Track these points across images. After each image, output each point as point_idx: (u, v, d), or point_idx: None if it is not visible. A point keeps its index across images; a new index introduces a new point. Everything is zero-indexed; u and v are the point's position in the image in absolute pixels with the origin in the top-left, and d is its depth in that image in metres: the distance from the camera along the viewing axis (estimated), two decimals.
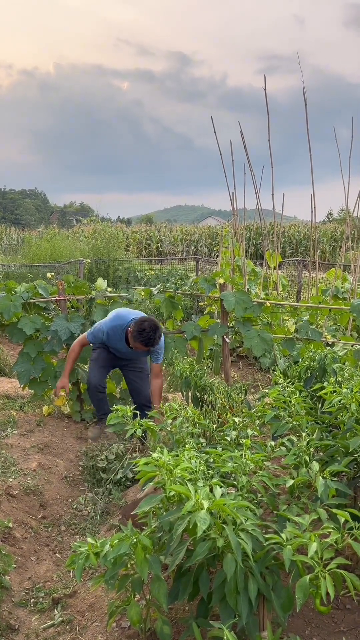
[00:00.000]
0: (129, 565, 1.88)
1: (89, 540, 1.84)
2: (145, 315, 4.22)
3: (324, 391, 2.56)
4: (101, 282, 5.17)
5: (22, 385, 4.77)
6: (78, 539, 3.24)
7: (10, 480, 3.66)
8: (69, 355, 4.43)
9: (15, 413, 4.92)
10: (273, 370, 4.38)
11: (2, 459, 3.93)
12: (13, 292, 4.76)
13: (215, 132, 6.76)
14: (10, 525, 3.14)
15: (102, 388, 4.34)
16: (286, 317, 5.98)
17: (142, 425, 2.52)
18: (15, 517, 3.30)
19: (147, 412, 4.14)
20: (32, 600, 2.73)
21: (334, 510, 1.77)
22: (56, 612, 2.58)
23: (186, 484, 1.80)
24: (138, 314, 4.21)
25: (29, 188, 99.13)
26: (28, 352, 4.70)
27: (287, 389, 2.70)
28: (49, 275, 6.16)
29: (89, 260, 11.37)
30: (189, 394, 3.60)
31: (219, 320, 5.09)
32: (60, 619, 2.51)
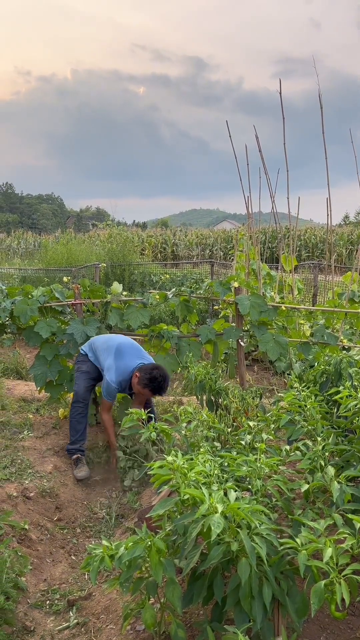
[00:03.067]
0: (143, 568, 1.88)
1: (104, 542, 1.85)
2: (150, 363, 4.12)
3: (339, 395, 2.54)
4: (117, 286, 5.19)
5: (39, 388, 4.81)
6: (93, 542, 3.26)
7: (27, 482, 3.70)
8: (108, 425, 4.23)
9: (31, 416, 4.96)
10: (288, 374, 4.37)
11: (19, 461, 3.97)
12: (30, 296, 4.81)
13: (230, 136, 6.76)
14: (27, 527, 3.17)
15: (86, 401, 4.27)
16: (302, 321, 5.94)
17: (156, 429, 2.53)
18: (31, 519, 3.33)
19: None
20: (48, 602, 2.75)
21: (350, 516, 1.76)
22: (71, 614, 2.59)
23: (200, 488, 1.80)
24: (138, 353, 4.18)
25: (45, 193, 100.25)
26: (44, 355, 4.74)
27: (302, 393, 2.69)
28: (65, 279, 6.21)
29: (104, 265, 11.43)
30: (204, 397, 3.60)
31: (233, 324, 5.08)
32: (76, 621, 2.52)
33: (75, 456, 4.14)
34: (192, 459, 2.04)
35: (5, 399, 5.24)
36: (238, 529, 1.67)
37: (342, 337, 5.10)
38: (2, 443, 4.25)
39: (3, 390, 5.46)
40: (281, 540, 1.70)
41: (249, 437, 2.60)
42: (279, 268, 7.56)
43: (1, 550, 2.66)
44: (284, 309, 4.99)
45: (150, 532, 1.87)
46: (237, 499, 1.78)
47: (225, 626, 1.69)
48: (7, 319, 4.81)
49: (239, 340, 4.92)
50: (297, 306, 5.30)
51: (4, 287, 5.19)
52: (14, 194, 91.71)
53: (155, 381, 3.80)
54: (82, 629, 2.45)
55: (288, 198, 6.63)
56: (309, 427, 2.48)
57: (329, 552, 1.56)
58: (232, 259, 9.36)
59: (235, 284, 4.96)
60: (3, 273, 13.09)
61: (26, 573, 2.81)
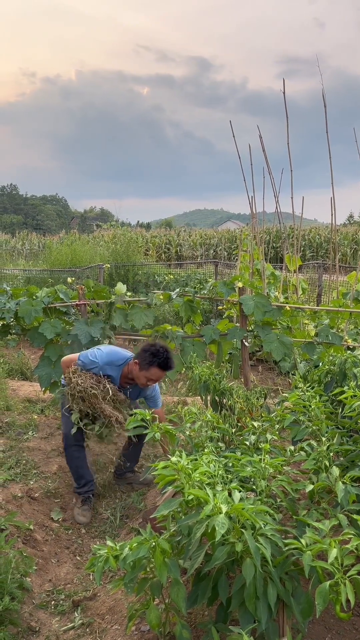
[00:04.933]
0: (148, 569, 1.88)
1: (109, 543, 1.85)
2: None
3: (344, 395, 2.53)
4: (121, 287, 5.20)
5: (43, 389, 4.82)
6: (98, 542, 3.26)
7: (31, 483, 3.71)
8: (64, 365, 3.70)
9: (36, 416, 4.98)
10: (293, 374, 4.36)
11: (23, 461, 3.98)
12: (34, 297, 4.82)
13: (234, 136, 6.76)
14: (32, 527, 3.18)
15: (81, 442, 3.59)
16: (306, 321, 5.93)
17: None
18: (36, 519, 3.34)
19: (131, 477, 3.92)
20: (53, 602, 2.75)
21: (355, 516, 1.75)
22: (76, 614, 2.60)
23: (205, 488, 1.80)
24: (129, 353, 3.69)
25: (49, 194, 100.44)
26: (49, 355, 4.75)
27: (306, 393, 2.68)
28: (69, 280, 6.22)
29: (108, 265, 11.45)
30: (208, 398, 3.60)
31: (238, 324, 5.08)
32: (81, 621, 2.53)
33: (85, 496, 3.64)
34: (196, 460, 2.04)
35: (10, 399, 5.25)
36: (242, 530, 1.67)
37: (346, 337, 5.09)
38: (7, 444, 4.27)
39: (8, 391, 5.48)
40: (286, 541, 1.69)
41: (253, 437, 2.59)
42: (283, 268, 7.55)
43: (6, 551, 2.66)
44: (288, 309, 4.98)
45: (154, 532, 1.87)
46: (241, 499, 1.78)
47: (230, 627, 1.69)
48: (12, 319, 4.82)
49: (243, 341, 4.92)
50: (301, 306, 5.29)
51: (8, 288, 5.21)
52: (18, 195, 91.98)
53: (159, 354, 3.38)
54: (87, 630, 2.46)
55: (292, 198, 6.63)
56: (314, 428, 2.47)
57: (333, 552, 1.55)
58: (236, 259, 9.35)
59: (239, 284, 4.95)
60: (8, 274, 13.13)
61: (31, 573, 2.82)
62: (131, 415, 3.40)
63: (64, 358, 3.74)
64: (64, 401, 3.60)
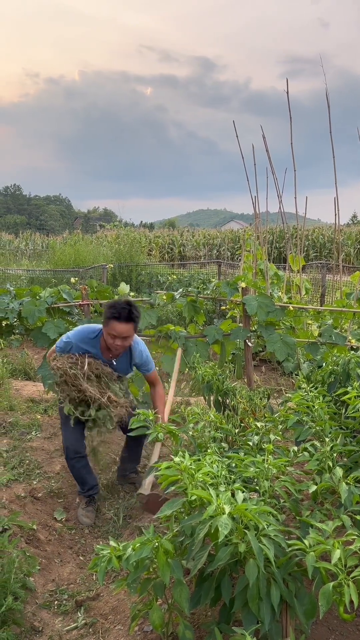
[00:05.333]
0: (151, 569, 1.88)
1: (112, 543, 1.85)
2: None
3: (347, 396, 2.53)
4: (124, 287, 5.20)
5: (47, 389, 4.82)
6: (101, 542, 3.26)
7: (35, 482, 3.71)
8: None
9: (39, 416, 4.98)
10: (296, 374, 4.35)
11: (27, 461, 3.98)
12: (38, 297, 4.83)
13: (237, 136, 6.76)
14: (35, 527, 3.18)
15: (82, 452, 3.49)
16: (309, 321, 5.92)
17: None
18: (40, 519, 3.34)
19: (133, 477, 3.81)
20: (56, 602, 2.75)
21: (358, 517, 1.74)
22: (79, 614, 2.60)
23: (208, 489, 1.80)
24: None
25: (53, 194, 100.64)
26: None
27: (310, 394, 2.68)
28: (72, 280, 6.23)
29: (111, 265, 11.46)
30: (211, 398, 3.60)
31: (241, 324, 5.07)
32: (84, 621, 2.53)
33: (89, 497, 3.57)
34: (199, 460, 2.04)
35: (13, 399, 5.26)
36: (246, 530, 1.66)
37: (350, 337, 5.08)
38: (11, 443, 4.27)
39: (11, 391, 5.49)
40: (289, 542, 1.69)
41: (256, 438, 2.59)
42: (287, 268, 7.54)
43: (9, 551, 2.66)
44: (291, 309, 4.97)
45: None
46: (244, 500, 1.77)
47: (233, 627, 1.68)
48: (15, 320, 4.83)
49: (247, 341, 4.91)
50: (304, 306, 5.28)
51: (12, 288, 5.21)
52: (22, 196, 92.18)
53: (116, 305, 3.18)
54: (90, 630, 2.46)
55: (295, 198, 6.62)
56: (317, 428, 2.46)
57: (337, 553, 1.55)
58: (240, 259, 9.35)
59: (243, 284, 4.95)
60: (11, 274, 13.15)
61: (34, 573, 2.82)
62: (124, 391, 3.49)
63: (48, 352, 3.72)
64: (61, 413, 3.45)
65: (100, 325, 3.38)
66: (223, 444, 2.68)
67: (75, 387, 3.24)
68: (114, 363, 3.48)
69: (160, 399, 3.62)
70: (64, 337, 3.48)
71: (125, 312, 3.14)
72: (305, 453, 2.29)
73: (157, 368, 3.80)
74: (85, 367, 3.24)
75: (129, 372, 3.64)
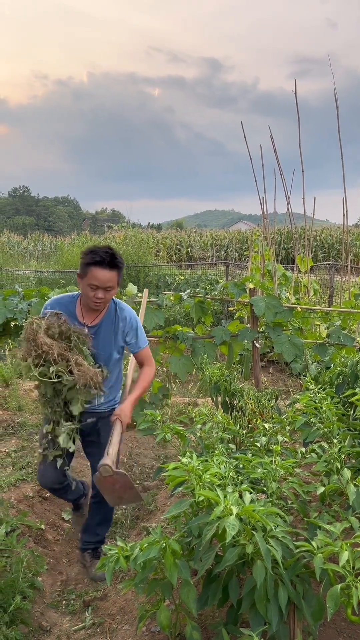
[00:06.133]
0: (158, 570, 1.88)
1: (119, 543, 1.86)
2: None
3: (356, 397, 2.52)
4: (131, 288, 5.21)
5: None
6: (109, 542, 3.27)
7: None
8: None
9: None
10: (304, 375, 4.33)
11: (35, 462, 4.00)
12: (46, 298, 4.85)
13: (245, 137, 6.76)
14: (43, 527, 3.20)
15: (63, 483, 2.91)
16: (318, 322, 5.90)
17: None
18: (48, 519, 3.35)
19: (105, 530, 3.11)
20: (64, 602, 2.76)
21: None
22: (87, 614, 2.61)
23: (215, 490, 1.80)
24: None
25: (61, 195, 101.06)
26: None
27: (318, 395, 2.67)
28: None
29: None
30: (219, 399, 3.59)
31: (249, 325, 5.06)
32: (91, 621, 2.53)
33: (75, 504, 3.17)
34: (207, 461, 2.04)
35: (22, 399, 5.29)
36: (253, 532, 1.66)
37: (358, 339, 5.06)
38: (19, 444, 4.29)
39: (20, 392, 5.52)
40: (297, 543, 1.68)
41: (264, 439, 2.58)
42: (295, 269, 7.53)
43: (18, 551, 2.68)
44: (299, 310, 4.96)
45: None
46: (252, 501, 1.77)
47: (240, 629, 1.68)
48: (24, 320, 4.86)
49: (254, 342, 4.90)
50: (313, 307, 5.26)
51: (20, 289, 5.25)
52: (31, 197, 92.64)
53: (96, 249, 2.66)
54: (98, 630, 2.46)
55: (304, 198, 6.61)
56: (325, 429, 2.46)
57: (345, 555, 1.54)
58: (247, 260, 9.33)
59: (250, 285, 4.94)
60: (20, 275, 13.22)
61: (42, 573, 2.83)
62: (97, 364, 2.73)
63: None
64: (45, 429, 2.82)
65: (77, 292, 2.88)
66: (230, 445, 2.68)
67: (35, 343, 2.63)
68: (90, 327, 2.80)
69: (143, 380, 2.94)
70: (43, 309, 2.92)
71: (108, 257, 2.63)
72: (313, 454, 2.28)
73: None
74: (48, 321, 2.69)
75: (112, 347, 2.86)
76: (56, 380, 2.63)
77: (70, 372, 2.61)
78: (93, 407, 2.85)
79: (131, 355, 3.07)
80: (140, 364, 3.01)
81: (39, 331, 2.64)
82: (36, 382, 2.73)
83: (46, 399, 2.73)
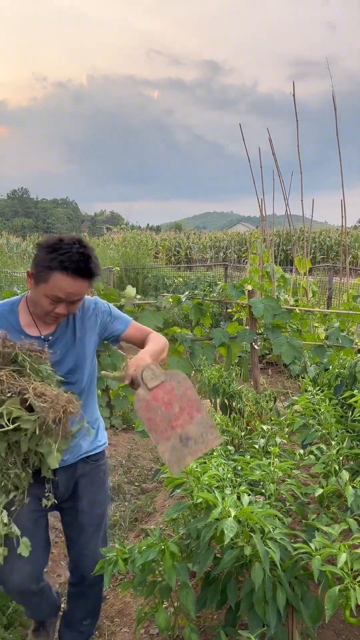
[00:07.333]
0: (157, 572, 1.88)
1: (118, 546, 1.86)
2: None
3: (354, 399, 2.52)
4: (130, 290, 5.22)
5: None
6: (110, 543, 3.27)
7: None
8: None
9: None
10: (302, 377, 4.34)
11: None
12: None
13: (243, 139, 6.78)
14: None
15: (39, 586, 2.03)
16: (316, 324, 5.91)
17: None
18: None
19: (90, 599, 2.24)
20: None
21: None
22: None
23: (214, 492, 1.80)
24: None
25: (60, 197, 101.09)
26: None
27: (316, 397, 2.67)
28: None
29: (118, 268, 11.50)
30: (217, 401, 3.59)
31: (247, 327, 5.07)
32: None
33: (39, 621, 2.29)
34: (205, 463, 2.04)
35: None
36: (251, 534, 1.66)
37: (357, 340, 5.06)
38: None
39: None
40: (295, 545, 1.68)
41: (262, 440, 2.59)
42: (293, 270, 7.54)
43: None
44: (298, 311, 4.96)
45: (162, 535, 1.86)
46: (250, 503, 1.77)
47: (239, 631, 1.68)
48: None
49: (253, 343, 4.91)
50: (311, 309, 5.27)
51: (19, 292, 5.24)
52: (29, 199, 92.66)
53: (61, 247, 1.82)
54: (96, 632, 2.46)
55: (302, 200, 6.63)
56: (324, 431, 2.46)
57: (343, 557, 1.54)
58: (246, 262, 9.34)
59: (249, 287, 4.95)
60: (18, 277, 13.22)
61: None
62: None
63: None
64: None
65: (16, 298, 2.06)
66: (229, 447, 2.68)
67: None
68: (49, 339, 1.99)
69: (153, 340, 2.08)
70: None
71: (83, 262, 1.82)
72: (312, 456, 2.28)
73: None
74: None
75: (84, 358, 2.05)
76: (11, 427, 1.66)
77: (30, 408, 1.70)
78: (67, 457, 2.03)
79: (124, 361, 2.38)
80: (141, 341, 2.10)
81: None
82: None
83: None
